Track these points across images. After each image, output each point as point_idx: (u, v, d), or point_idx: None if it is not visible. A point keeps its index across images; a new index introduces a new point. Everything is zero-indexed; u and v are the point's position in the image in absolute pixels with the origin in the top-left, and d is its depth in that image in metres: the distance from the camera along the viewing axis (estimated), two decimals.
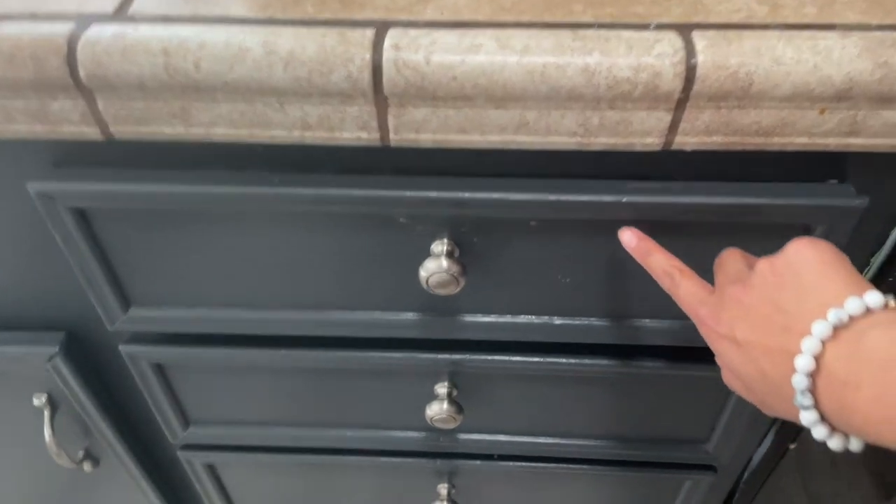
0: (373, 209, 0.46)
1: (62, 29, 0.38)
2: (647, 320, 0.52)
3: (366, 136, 0.40)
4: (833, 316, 0.30)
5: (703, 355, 0.50)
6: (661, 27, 0.37)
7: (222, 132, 0.41)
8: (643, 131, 0.39)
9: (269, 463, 0.72)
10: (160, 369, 0.60)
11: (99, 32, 0.38)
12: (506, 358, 0.56)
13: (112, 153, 0.45)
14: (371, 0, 0.40)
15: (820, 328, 0.30)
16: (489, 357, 0.57)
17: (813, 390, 0.31)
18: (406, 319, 0.53)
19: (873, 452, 0.32)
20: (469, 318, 0.53)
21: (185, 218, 0.48)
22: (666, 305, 0.42)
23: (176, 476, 0.77)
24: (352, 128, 0.40)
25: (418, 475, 0.73)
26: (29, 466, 0.75)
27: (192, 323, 0.55)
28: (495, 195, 0.44)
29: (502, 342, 0.55)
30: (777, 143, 0.39)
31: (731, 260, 0.39)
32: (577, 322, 0.52)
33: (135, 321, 0.54)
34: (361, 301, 0.53)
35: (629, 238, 0.43)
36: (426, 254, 0.47)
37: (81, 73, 0.38)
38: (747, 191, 0.43)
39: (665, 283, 0.41)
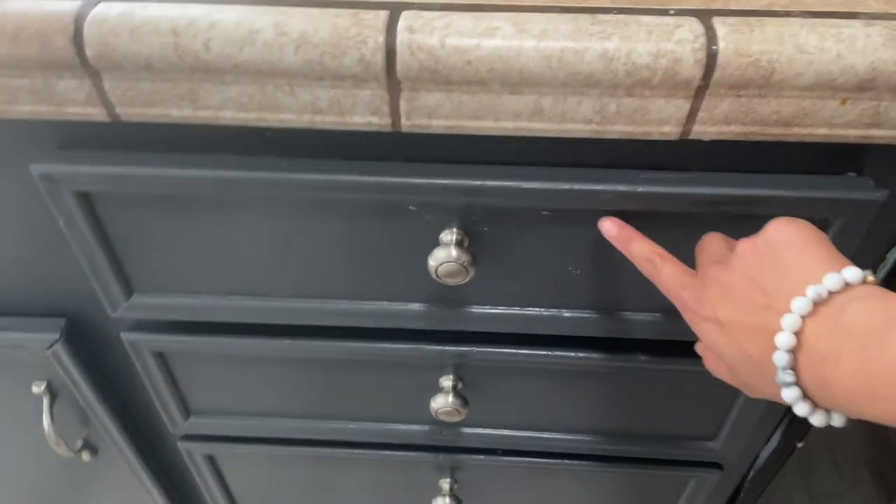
0: (382, 196, 0.45)
1: (69, 6, 0.37)
2: (658, 314, 0.51)
3: (377, 120, 0.39)
4: (812, 292, 0.30)
5: None
6: (680, 13, 0.37)
7: (231, 115, 0.40)
8: (661, 119, 0.38)
9: (270, 455, 0.71)
10: (162, 358, 0.59)
11: (106, 11, 0.37)
12: (512, 351, 0.56)
13: (118, 135, 0.44)
14: None
15: (799, 304, 0.30)
16: (496, 349, 0.56)
17: (794, 367, 0.31)
18: (413, 310, 0.52)
19: (874, 452, 0.32)
20: (477, 309, 0.52)
21: (191, 203, 0.47)
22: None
23: (175, 467, 0.77)
24: (363, 112, 0.39)
25: (420, 469, 0.72)
26: (27, 455, 0.74)
27: (195, 311, 0.54)
28: (508, 183, 0.43)
29: (509, 335, 0.55)
30: (796, 133, 0.39)
31: (712, 243, 0.39)
32: (587, 315, 0.52)
33: (137, 308, 0.54)
34: (368, 291, 0.52)
35: (609, 227, 0.43)
36: (435, 243, 0.47)
37: (88, 52, 0.37)
38: (764, 182, 0.42)
39: (647, 270, 0.41)
